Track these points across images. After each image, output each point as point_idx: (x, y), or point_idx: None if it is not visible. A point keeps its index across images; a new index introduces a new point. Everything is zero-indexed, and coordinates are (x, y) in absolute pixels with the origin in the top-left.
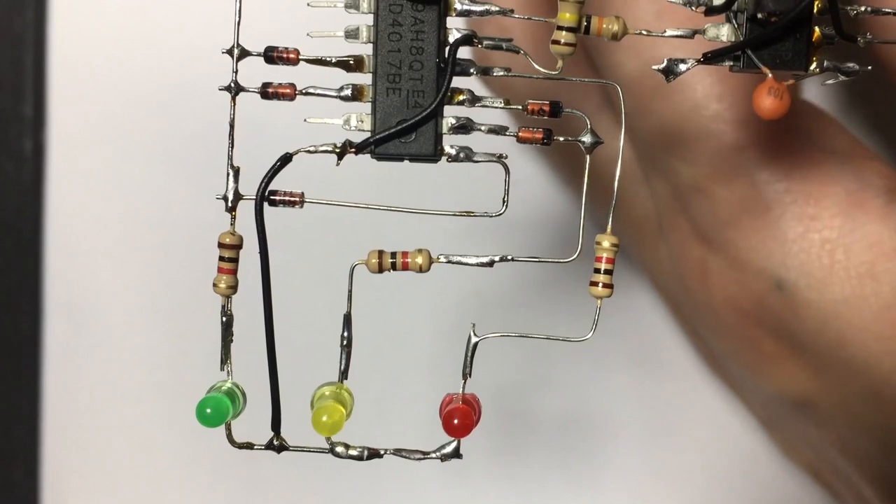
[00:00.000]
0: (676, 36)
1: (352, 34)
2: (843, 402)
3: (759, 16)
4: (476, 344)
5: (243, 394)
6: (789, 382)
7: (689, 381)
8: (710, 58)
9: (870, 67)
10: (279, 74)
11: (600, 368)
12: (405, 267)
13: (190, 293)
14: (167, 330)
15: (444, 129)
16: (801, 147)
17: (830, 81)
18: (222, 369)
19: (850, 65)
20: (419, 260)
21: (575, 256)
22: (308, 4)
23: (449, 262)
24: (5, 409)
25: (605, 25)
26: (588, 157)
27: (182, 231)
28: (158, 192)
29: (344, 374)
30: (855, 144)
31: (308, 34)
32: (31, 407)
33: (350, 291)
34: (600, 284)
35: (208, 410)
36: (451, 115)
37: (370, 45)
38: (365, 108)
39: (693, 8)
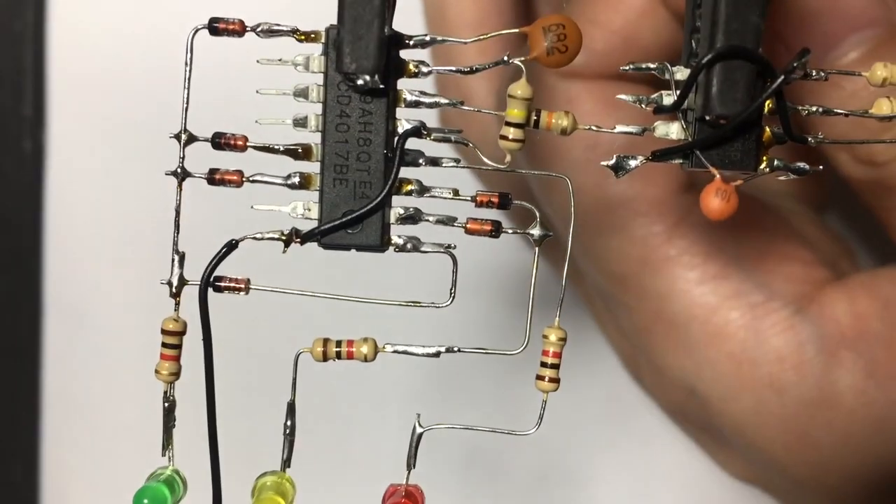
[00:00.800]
0: (626, 133)
1: (300, 123)
2: (777, 490)
3: (707, 118)
4: (421, 435)
5: (184, 480)
6: (727, 466)
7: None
8: (659, 156)
9: (821, 167)
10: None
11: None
12: (350, 356)
13: (189, 292)
14: None
15: (392, 220)
16: (708, 260)
17: (782, 178)
18: (164, 454)
19: (801, 164)
20: (364, 349)
21: (521, 349)
22: (257, 91)
23: (395, 351)
24: (5, 409)
25: (554, 120)
26: (537, 249)
27: (181, 231)
28: (158, 191)
29: (287, 463)
30: (769, 243)
31: (256, 121)
32: (31, 407)
33: (294, 379)
34: (546, 378)
35: (145, 502)
36: (399, 205)
37: (319, 134)
38: (312, 195)
39: (642, 106)
